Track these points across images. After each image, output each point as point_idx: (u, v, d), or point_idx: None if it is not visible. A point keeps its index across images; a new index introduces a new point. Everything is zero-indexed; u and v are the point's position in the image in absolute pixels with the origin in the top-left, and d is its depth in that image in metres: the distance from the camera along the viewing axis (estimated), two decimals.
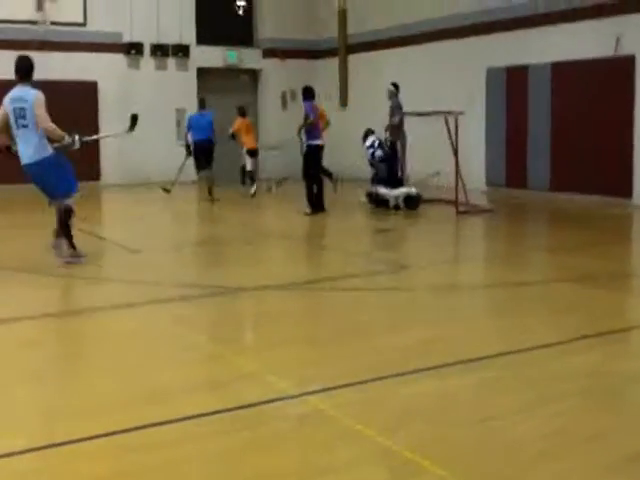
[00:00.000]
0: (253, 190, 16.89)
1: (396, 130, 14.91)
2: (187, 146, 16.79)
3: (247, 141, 17.33)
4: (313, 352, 5.81)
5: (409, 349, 5.80)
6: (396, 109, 15.02)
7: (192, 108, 20.38)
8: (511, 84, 16.96)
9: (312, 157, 13.38)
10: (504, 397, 4.81)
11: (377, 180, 14.69)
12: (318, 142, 13.46)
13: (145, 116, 18.65)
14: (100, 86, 19.72)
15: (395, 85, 15.38)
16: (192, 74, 21.07)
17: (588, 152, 15.24)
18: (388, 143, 14.96)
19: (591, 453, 3.99)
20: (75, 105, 19.28)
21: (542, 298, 7.69)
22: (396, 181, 14.58)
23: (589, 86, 15.31)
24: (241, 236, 11.99)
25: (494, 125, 17.32)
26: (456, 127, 13.72)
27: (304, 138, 13.54)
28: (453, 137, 13.91)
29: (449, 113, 14.16)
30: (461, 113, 14.01)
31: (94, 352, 5.91)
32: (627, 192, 14.62)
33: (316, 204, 13.38)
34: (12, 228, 12.71)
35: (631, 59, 14.49)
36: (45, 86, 18.44)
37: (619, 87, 14.76)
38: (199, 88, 21.04)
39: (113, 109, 19.64)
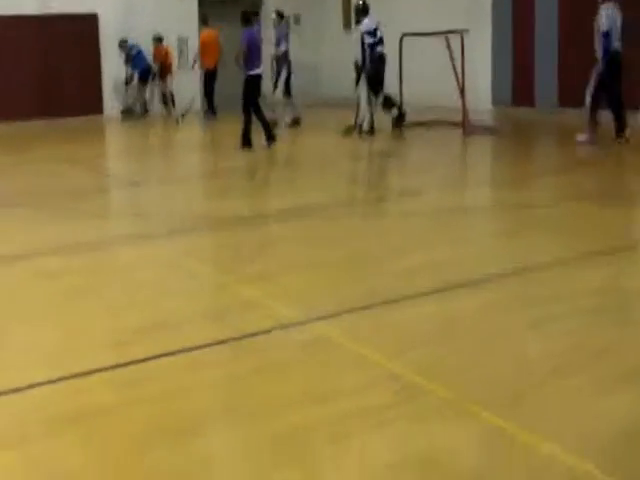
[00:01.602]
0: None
1: (282, 58, 14.89)
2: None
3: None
4: (318, 279, 5.78)
5: (415, 272, 5.77)
6: (282, 37, 14.96)
7: (194, 36, 20.13)
8: (518, 0, 16.59)
9: (251, 88, 12.82)
10: (512, 315, 4.80)
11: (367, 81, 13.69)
12: (257, 71, 12.60)
13: (147, 45, 18.71)
14: (100, 17, 19.39)
15: (279, 13, 15.17)
16: (193, 1, 20.68)
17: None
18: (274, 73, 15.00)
19: (602, 367, 3.99)
20: (76, 38, 19.04)
21: (550, 218, 7.61)
22: (380, 87, 13.86)
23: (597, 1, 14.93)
24: (240, 166, 11.90)
25: (500, 43, 16.99)
26: (462, 46, 13.46)
27: (243, 67, 12.80)
28: (458, 56, 13.66)
29: (452, 32, 13.88)
30: (465, 31, 13.74)
31: (103, 285, 5.89)
32: (638, 104, 14.37)
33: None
34: (14, 165, 12.63)
35: None
36: (45, 20, 18.53)
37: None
38: (201, 14, 20.65)
39: (114, 40, 19.33)
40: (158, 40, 18.95)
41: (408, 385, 3.87)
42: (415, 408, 3.65)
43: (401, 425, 3.50)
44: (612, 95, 11.42)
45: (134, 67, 18.94)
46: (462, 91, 13.85)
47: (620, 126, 11.43)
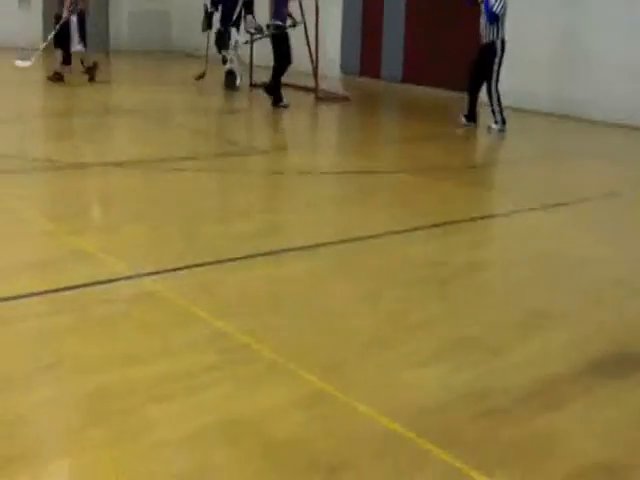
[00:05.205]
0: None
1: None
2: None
3: None
4: (150, 233, 5.65)
5: (246, 234, 5.74)
6: None
7: None
8: None
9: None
10: (338, 285, 4.84)
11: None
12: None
13: None
14: None
15: None
16: None
17: (441, 47, 15.21)
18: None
19: (418, 340, 4.08)
20: None
21: (386, 188, 7.74)
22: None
23: None
24: (88, 110, 11.43)
25: (351, 13, 17.04)
26: (316, 11, 13.32)
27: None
28: (312, 21, 13.51)
29: None
30: None
31: None
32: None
33: None
34: None
35: None
36: None
37: None
38: None
39: None
40: None
41: (234, 346, 3.84)
42: (240, 370, 3.62)
43: (224, 387, 3.46)
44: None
45: None
46: (315, 57, 13.69)
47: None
